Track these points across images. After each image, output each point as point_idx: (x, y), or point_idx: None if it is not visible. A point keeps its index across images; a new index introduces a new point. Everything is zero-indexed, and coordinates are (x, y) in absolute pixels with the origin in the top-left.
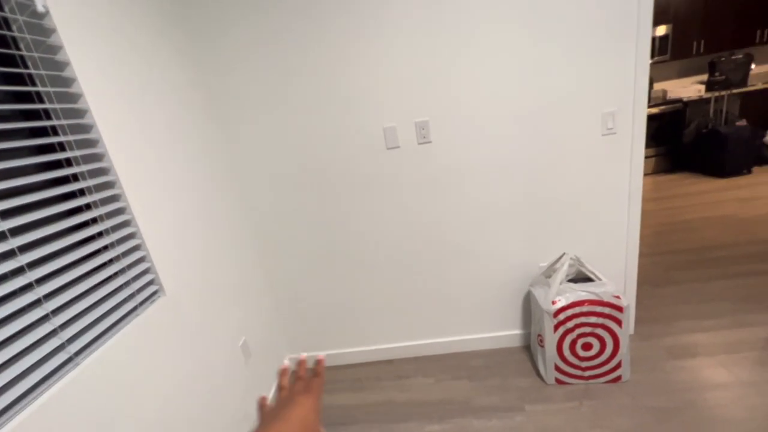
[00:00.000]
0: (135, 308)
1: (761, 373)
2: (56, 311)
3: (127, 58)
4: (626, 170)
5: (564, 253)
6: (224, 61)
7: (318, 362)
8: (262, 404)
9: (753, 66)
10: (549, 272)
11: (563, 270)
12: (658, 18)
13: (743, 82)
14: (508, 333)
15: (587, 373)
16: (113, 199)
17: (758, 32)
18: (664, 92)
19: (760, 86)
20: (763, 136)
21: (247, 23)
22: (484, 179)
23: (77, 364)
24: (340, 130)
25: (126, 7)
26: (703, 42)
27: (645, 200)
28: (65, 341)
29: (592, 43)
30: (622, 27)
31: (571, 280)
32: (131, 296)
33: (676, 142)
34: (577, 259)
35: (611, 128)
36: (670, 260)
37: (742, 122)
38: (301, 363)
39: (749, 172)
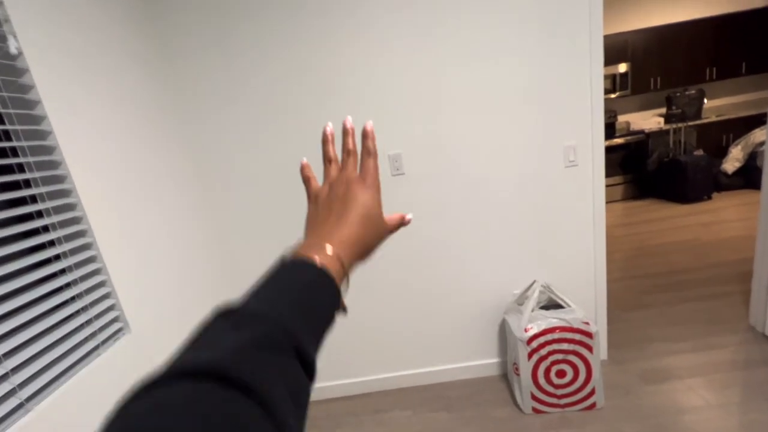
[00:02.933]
0: (96, 347)
1: (727, 395)
2: (9, 353)
3: (95, 86)
4: (589, 199)
5: (534, 281)
6: (192, 76)
7: (366, 134)
8: (307, 177)
9: (705, 101)
10: (521, 300)
11: (534, 297)
12: (618, 56)
13: (697, 115)
14: (485, 362)
15: (563, 401)
16: (78, 235)
17: (707, 70)
18: (628, 124)
19: (713, 119)
20: (720, 164)
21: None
22: (457, 210)
23: (28, 411)
24: (314, 162)
25: (91, 31)
26: (659, 78)
27: (615, 226)
28: (16, 386)
29: (552, 80)
30: (577, 66)
31: (543, 307)
32: (93, 335)
33: (641, 171)
34: (548, 287)
35: (573, 160)
36: (640, 284)
37: (700, 152)
38: (347, 132)
39: (709, 198)
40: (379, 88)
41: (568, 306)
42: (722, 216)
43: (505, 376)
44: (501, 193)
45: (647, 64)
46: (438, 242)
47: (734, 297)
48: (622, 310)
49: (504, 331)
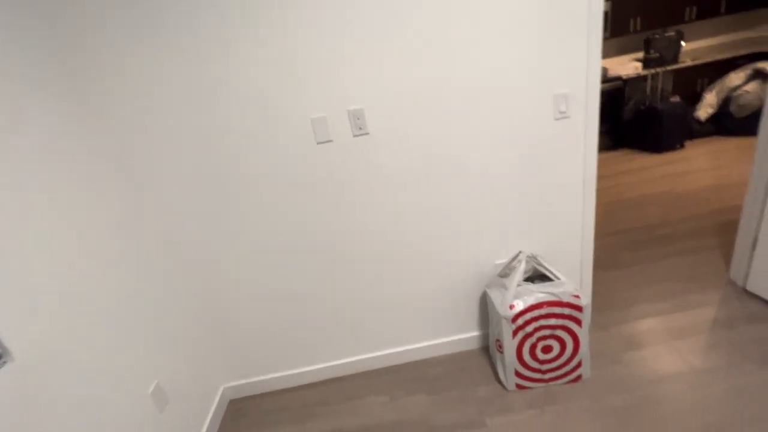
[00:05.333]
0: None
1: (713, 358)
2: None
3: None
4: (580, 157)
5: (520, 251)
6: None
7: None
8: None
9: (683, 43)
10: (505, 272)
11: (520, 270)
12: None
13: (675, 59)
14: (465, 336)
15: (547, 376)
16: None
17: (687, 9)
18: (605, 70)
19: (689, 63)
20: (693, 111)
21: None
22: (430, 173)
23: None
24: (258, 125)
25: None
26: (639, 19)
27: None
28: None
29: (541, 18)
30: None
31: (527, 279)
32: None
33: (617, 120)
34: (534, 257)
35: (564, 111)
36: (618, 241)
37: (676, 98)
38: None
39: (682, 146)
40: (336, 26)
41: (557, 278)
42: (695, 165)
43: (485, 349)
44: (481, 151)
45: (628, 2)
46: (410, 209)
47: (712, 251)
48: (603, 270)
49: (485, 304)
